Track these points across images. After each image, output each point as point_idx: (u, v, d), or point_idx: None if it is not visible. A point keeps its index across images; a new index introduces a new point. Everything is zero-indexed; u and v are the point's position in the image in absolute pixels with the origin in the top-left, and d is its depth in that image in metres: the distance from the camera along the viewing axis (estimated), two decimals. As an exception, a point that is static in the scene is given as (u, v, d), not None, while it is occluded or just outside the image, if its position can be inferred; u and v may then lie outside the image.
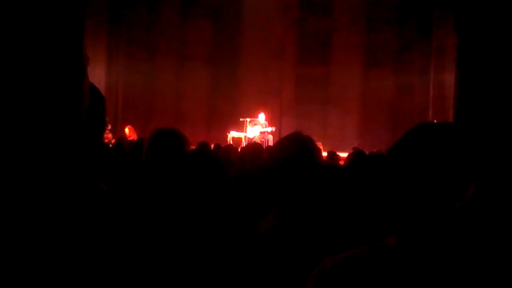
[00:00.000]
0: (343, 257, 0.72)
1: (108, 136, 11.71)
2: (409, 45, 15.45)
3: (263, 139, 12.99)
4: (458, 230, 0.56)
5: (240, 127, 13.58)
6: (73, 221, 0.66)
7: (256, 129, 13.38)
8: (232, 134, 13.41)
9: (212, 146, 7.66)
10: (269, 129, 13.30)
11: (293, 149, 1.68)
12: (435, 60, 14.88)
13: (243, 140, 12.91)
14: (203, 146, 6.08)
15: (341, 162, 6.34)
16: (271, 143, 12.78)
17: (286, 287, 1.47)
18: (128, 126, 12.64)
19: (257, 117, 13.52)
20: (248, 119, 13.51)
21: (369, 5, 15.49)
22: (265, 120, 13.53)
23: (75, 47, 0.68)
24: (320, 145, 9.46)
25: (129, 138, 10.99)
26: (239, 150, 6.51)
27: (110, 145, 6.87)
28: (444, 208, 0.78)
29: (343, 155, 7.77)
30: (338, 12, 15.62)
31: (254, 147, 4.43)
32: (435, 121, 12.12)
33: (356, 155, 4.42)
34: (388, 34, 15.46)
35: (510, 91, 0.51)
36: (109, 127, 13.36)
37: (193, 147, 4.73)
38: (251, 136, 13.12)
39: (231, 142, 12.24)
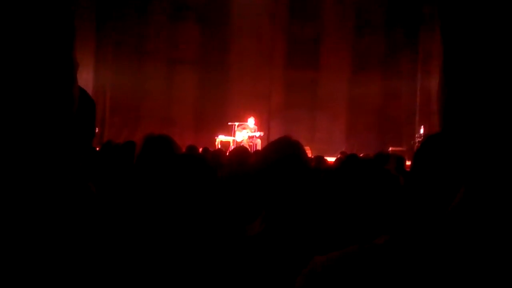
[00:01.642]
0: (333, 256, 0.72)
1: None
2: (396, 51, 15.58)
3: (251, 143, 13.00)
4: (449, 231, 0.58)
5: (229, 131, 13.58)
6: (63, 222, 0.66)
7: (245, 133, 13.39)
8: (220, 138, 13.41)
9: (201, 150, 7.66)
10: (258, 133, 13.31)
11: (281, 153, 1.69)
12: (422, 65, 15.03)
13: (231, 144, 12.91)
14: (191, 149, 6.07)
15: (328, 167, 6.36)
16: (259, 147, 12.80)
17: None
18: None
19: (246, 121, 13.54)
20: (236, 123, 13.52)
21: (357, 10, 15.60)
22: (254, 124, 13.55)
23: (65, 53, 0.68)
24: (308, 149, 9.49)
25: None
26: (228, 153, 6.51)
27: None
28: (437, 211, 0.80)
29: (331, 159, 7.80)
30: (326, 17, 15.71)
31: (240, 151, 4.44)
32: (422, 127, 12.20)
33: (347, 159, 4.44)
34: (375, 39, 15.58)
35: (497, 97, 0.53)
36: (96, 130, 13.30)
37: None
38: (239, 140, 13.13)
39: (219, 146, 12.23)
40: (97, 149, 6.27)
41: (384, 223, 1.38)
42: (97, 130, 13.24)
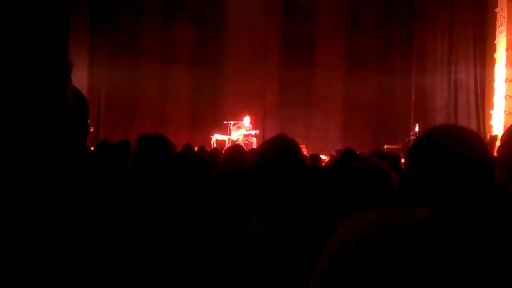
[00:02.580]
0: (371, 216, 0.72)
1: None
2: (391, 48, 15.62)
3: (246, 142, 13.00)
4: (493, 215, 0.58)
5: (224, 130, 13.58)
6: (61, 221, 0.66)
7: (240, 131, 13.39)
8: (216, 136, 13.40)
9: (196, 148, 7.65)
10: (253, 132, 13.32)
11: (276, 151, 1.69)
12: (417, 62, 15.07)
13: (226, 143, 12.90)
14: (187, 148, 6.07)
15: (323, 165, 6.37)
16: (255, 145, 12.80)
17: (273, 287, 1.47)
18: None
19: (241, 120, 13.54)
20: (231, 122, 13.52)
21: (351, 8, 15.63)
22: (250, 123, 13.55)
23: (59, 52, 0.68)
24: (303, 147, 9.51)
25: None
26: (223, 152, 6.50)
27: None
28: (482, 193, 0.81)
29: (325, 158, 7.82)
30: (320, 15, 15.73)
31: (236, 149, 4.44)
32: (417, 125, 12.23)
33: (347, 156, 4.45)
34: (370, 36, 15.61)
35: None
36: (91, 129, 13.25)
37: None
38: (234, 139, 13.12)
39: (215, 145, 12.22)
40: (92, 148, 6.25)
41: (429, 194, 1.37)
42: (92, 129, 13.21)
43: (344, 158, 4.25)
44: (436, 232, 0.63)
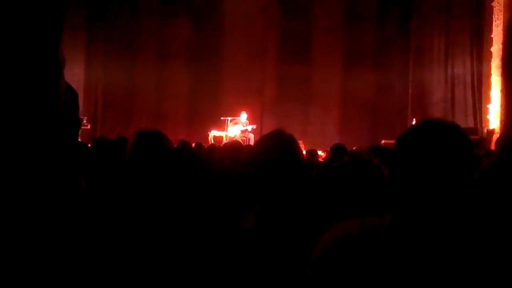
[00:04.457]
0: (340, 235, 0.74)
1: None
2: (388, 43, 15.60)
3: (244, 138, 13.00)
4: (450, 212, 0.59)
5: (221, 126, 13.57)
6: (52, 217, 0.66)
7: (237, 128, 13.39)
8: (213, 133, 13.39)
9: (194, 145, 7.65)
10: (250, 127, 13.32)
11: (274, 146, 1.69)
12: (414, 58, 15.07)
13: (224, 139, 12.90)
14: (183, 144, 6.07)
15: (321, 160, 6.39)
16: (252, 141, 12.80)
17: (268, 283, 1.48)
18: None
19: (238, 116, 13.53)
20: (229, 118, 13.51)
21: (348, 3, 15.60)
22: (247, 119, 13.55)
23: (52, 48, 0.68)
24: (301, 143, 9.51)
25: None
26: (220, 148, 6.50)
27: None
28: (439, 190, 0.81)
29: (323, 154, 7.83)
30: (317, 11, 15.69)
31: (233, 145, 4.44)
32: (414, 120, 12.23)
33: (336, 151, 4.45)
34: (367, 32, 15.59)
35: None
36: (88, 126, 13.23)
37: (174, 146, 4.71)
38: (232, 135, 13.12)
39: (212, 141, 12.22)
40: (89, 145, 6.24)
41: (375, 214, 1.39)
42: (89, 127, 13.18)
43: (334, 154, 4.26)
44: (397, 235, 0.65)
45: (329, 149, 6.74)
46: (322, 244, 0.75)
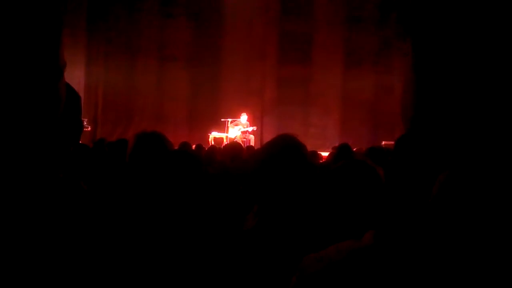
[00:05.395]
0: (322, 256, 0.73)
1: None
2: (388, 45, 15.59)
3: (244, 139, 13.01)
4: (429, 225, 0.58)
5: (222, 127, 13.58)
6: (53, 219, 0.66)
7: (238, 129, 13.39)
8: (214, 134, 13.40)
9: (194, 146, 7.65)
10: (251, 128, 13.32)
11: (275, 147, 1.69)
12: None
13: (224, 140, 12.91)
14: (184, 146, 6.07)
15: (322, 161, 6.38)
16: (252, 143, 12.81)
17: (269, 284, 1.48)
18: None
19: (239, 118, 13.54)
20: (229, 120, 13.52)
21: (349, 5, 15.60)
22: (247, 120, 13.55)
23: (52, 50, 0.67)
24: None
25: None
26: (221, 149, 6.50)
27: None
28: (415, 206, 0.81)
29: (325, 154, 7.82)
30: (318, 12, 15.70)
31: (233, 146, 4.44)
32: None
33: (341, 151, 4.45)
34: (368, 34, 15.59)
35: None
36: (89, 128, 13.23)
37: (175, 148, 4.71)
38: (232, 136, 13.13)
39: (213, 143, 12.22)
40: (90, 147, 6.24)
41: (374, 217, 1.39)
42: (89, 129, 13.19)
43: (340, 154, 4.25)
44: (377, 252, 0.65)
45: (331, 149, 6.71)
46: (303, 269, 0.74)
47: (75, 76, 13.31)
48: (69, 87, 0.90)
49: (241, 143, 10.13)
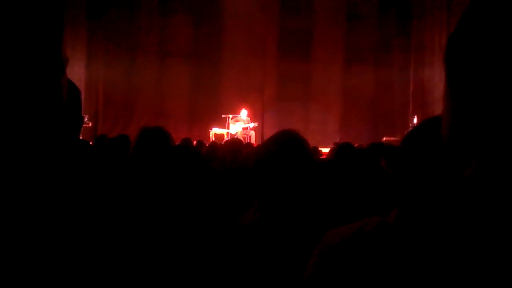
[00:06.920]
0: (348, 228, 0.74)
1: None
2: (389, 41, 15.58)
3: (245, 135, 13.00)
4: (456, 206, 0.58)
5: (222, 123, 13.57)
6: (53, 216, 0.66)
7: (238, 125, 13.39)
8: (214, 130, 13.40)
9: (195, 142, 7.65)
10: (251, 125, 13.32)
11: (276, 142, 1.69)
12: (415, 55, 15.04)
13: (225, 136, 12.90)
14: (185, 142, 6.07)
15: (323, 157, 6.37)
16: (253, 139, 12.81)
17: (270, 279, 1.48)
18: None
19: (239, 114, 13.53)
20: (230, 116, 13.51)
21: (349, 1, 15.57)
22: (247, 116, 13.55)
23: (54, 46, 0.68)
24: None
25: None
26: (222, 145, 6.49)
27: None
28: (442, 185, 0.81)
29: (325, 150, 7.82)
30: (318, 8, 15.67)
31: (234, 142, 4.44)
32: (415, 117, 12.25)
33: (342, 148, 4.44)
34: (368, 30, 15.57)
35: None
36: (90, 124, 13.23)
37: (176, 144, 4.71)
38: (233, 133, 13.12)
39: (213, 139, 12.22)
40: (91, 143, 6.24)
41: (377, 212, 1.39)
42: (90, 125, 13.19)
43: (341, 152, 4.25)
44: (403, 232, 0.65)
45: (333, 145, 6.70)
46: (325, 242, 0.75)
47: (76, 72, 13.30)
48: (68, 82, 0.91)
49: (242, 139, 10.14)
